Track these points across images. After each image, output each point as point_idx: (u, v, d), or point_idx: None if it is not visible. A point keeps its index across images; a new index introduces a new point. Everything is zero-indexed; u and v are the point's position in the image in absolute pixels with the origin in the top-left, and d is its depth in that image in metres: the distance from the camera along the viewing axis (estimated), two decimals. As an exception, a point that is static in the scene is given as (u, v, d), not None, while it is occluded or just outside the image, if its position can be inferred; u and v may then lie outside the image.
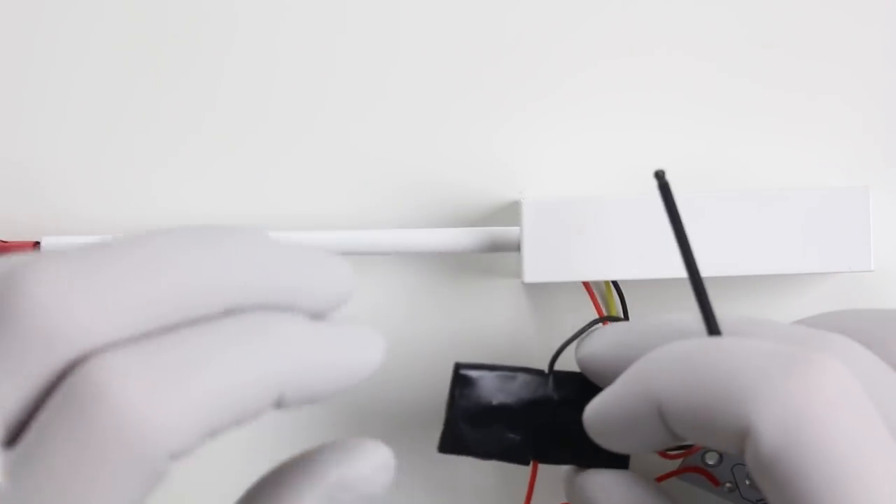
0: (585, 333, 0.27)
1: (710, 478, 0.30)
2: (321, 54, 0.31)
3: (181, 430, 0.17)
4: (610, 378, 0.23)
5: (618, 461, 0.26)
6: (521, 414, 0.27)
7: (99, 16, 0.31)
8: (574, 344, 0.27)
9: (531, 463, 0.27)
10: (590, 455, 0.26)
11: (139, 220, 0.31)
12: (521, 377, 0.27)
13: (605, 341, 0.25)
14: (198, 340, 0.17)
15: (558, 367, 0.27)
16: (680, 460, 0.30)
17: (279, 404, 0.18)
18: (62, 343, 0.17)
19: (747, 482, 0.30)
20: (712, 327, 0.23)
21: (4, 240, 0.30)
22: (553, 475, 0.28)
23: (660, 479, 0.30)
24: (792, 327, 0.21)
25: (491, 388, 0.26)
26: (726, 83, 0.31)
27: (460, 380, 0.26)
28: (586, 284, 0.30)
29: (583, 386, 0.27)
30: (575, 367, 0.27)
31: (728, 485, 0.30)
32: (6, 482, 0.16)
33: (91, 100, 0.31)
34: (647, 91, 0.31)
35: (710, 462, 0.30)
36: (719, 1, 0.31)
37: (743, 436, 0.18)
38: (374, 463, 0.20)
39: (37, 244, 0.30)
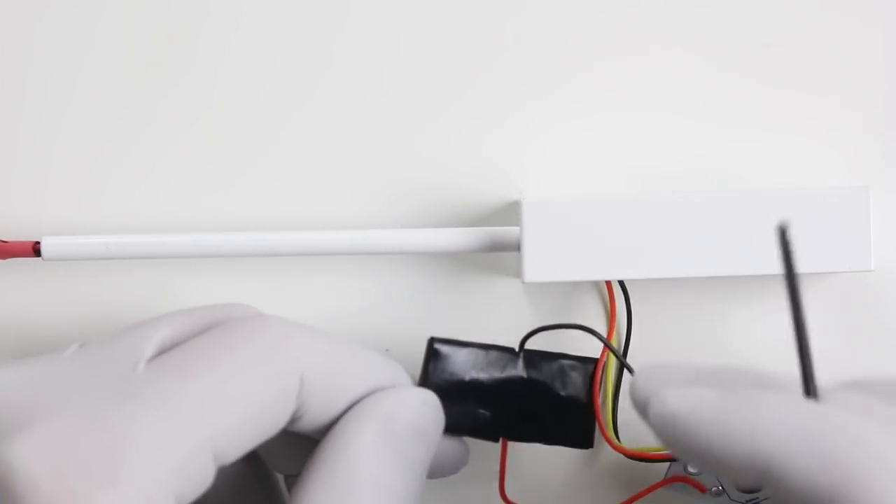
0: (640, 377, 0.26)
1: (695, 485, 0.30)
2: (321, 54, 0.31)
3: (312, 355, 0.22)
4: (693, 446, 0.21)
5: (583, 442, 0.28)
6: (492, 391, 0.27)
7: (99, 16, 0.31)
8: (555, 332, 0.28)
9: (500, 440, 0.28)
10: (555, 434, 0.27)
11: (139, 221, 0.31)
12: (493, 354, 0.27)
13: (695, 406, 0.21)
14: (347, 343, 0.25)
15: (528, 347, 0.28)
16: (666, 467, 0.30)
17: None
18: (247, 311, 0.24)
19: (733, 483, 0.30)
20: (810, 388, 0.22)
21: (4, 239, 0.30)
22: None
23: (647, 491, 0.30)
24: None
25: (464, 364, 0.27)
26: (726, 83, 0.31)
27: (434, 354, 0.27)
28: (608, 283, 0.30)
29: (551, 366, 0.27)
30: (545, 348, 0.28)
31: (714, 489, 0.30)
32: (156, 359, 0.21)
33: (91, 100, 0.31)
34: (648, 91, 0.31)
35: (693, 471, 0.30)
36: (719, 1, 0.31)
37: None
38: (419, 398, 0.24)
39: (37, 244, 0.30)
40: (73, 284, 0.31)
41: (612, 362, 0.31)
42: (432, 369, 0.27)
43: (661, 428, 0.21)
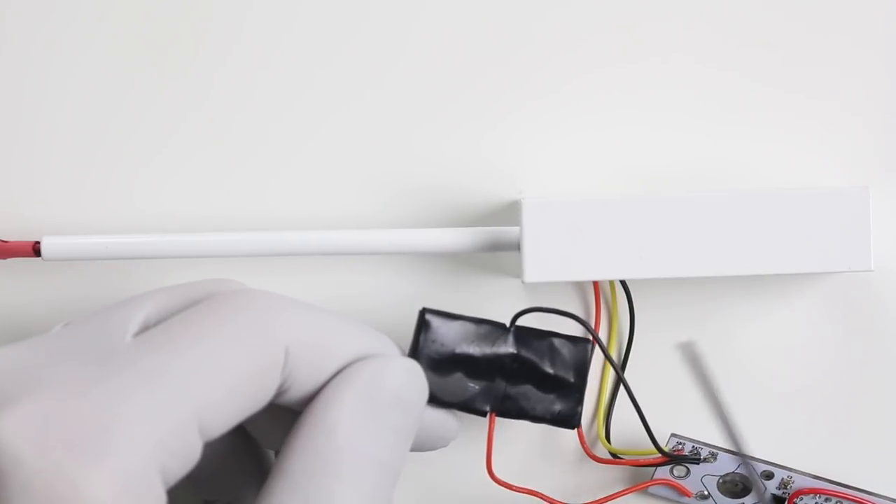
0: None
1: (680, 489, 0.30)
2: (321, 54, 0.31)
3: (298, 327, 0.23)
4: None
5: (568, 422, 0.27)
6: (482, 365, 0.27)
7: (99, 16, 0.31)
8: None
9: (488, 415, 0.27)
10: (542, 412, 0.27)
11: (139, 221, 0.31)
12: (485, 328, 0.27)
13: None
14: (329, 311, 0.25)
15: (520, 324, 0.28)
16: (652, 471, 0.30)
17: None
18: (232, 285, 0.24)
19: (718, 489, 0.30)
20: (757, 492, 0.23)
21: (4, 239, 0.30)
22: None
23: (633, 489, 0.30)
24: None
25: (455, 336, 0.27)
26: (726, 83, 0.31)
27: (425, 324, 0.27)
28: (598, 284, 0.30)
29: (542, 343, 0.27)
30: (535, 325, 0.28)
31: (699, 493, 0.30)
32: (142, 334, 0.22)
33: (91, 100, 0.31)
34: (647, 91, 0.31)
35: (679, 475, 0.30)
36: (719, 0, 0.31)
37: None
38: (401, 366, 0.24)
39: (37, 244, 0.30)
40: (73, 284, 0.31)
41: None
42: (423, 340, 0.27)
43: None
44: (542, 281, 0.29)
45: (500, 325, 0.28)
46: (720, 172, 0.31)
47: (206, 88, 0.31)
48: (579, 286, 0.31)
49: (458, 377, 0.27)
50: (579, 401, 0.28)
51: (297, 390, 0.22)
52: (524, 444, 0.31)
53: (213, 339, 0.21)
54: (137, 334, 0.21)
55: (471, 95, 0.31)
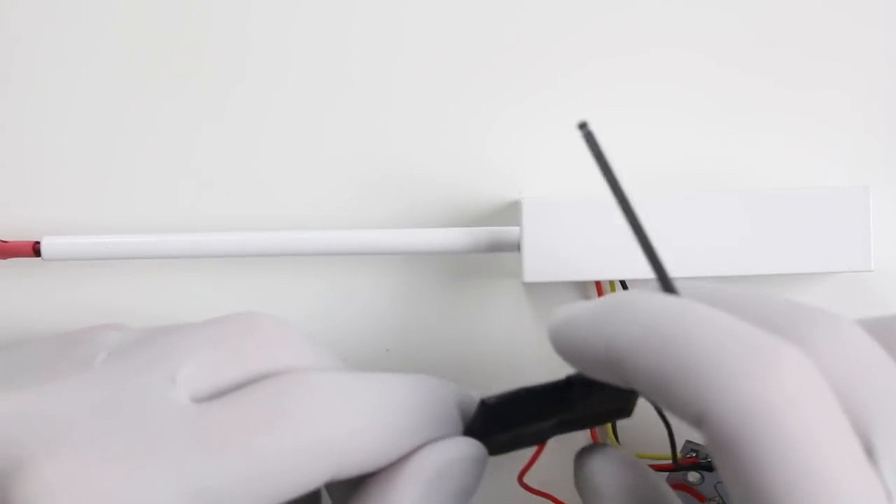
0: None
1: (695, 494, 0.30)
2: (321, 55, 0.31)
3: (355, 439, 0.21)
4: (570, 352, 0.22)
5: (621, 413, 0.25)
6: (538, 419, 0.25)
7: (99, 17, 0.31)
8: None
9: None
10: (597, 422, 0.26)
11: (138, 221, 0.31)
12: (543, 396, 0.24)
13: (573, 315, 0.22)
14: (377, 379, 0.22)
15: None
16: (665, 476, 0.30)
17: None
18: (282, 353, 0.22)
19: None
20: (667, 286, 0.22)
21: (4, 240, 0.30)
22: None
23: None
24: (783, 304, 0.20)
25: (514, 415, 0.24)
26: (726, 82, 0.31)
27: (486, 414, 0.24)
28: (598, 284, 0.30)
29: (598, 394, 0.25)
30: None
31: (713, 499, 0.30)
32: (191, 409, 0.20)
33: (91, 100, 0.31)
34: (648, 90, 0.31)
35: (692, 480, 0.30)
36: (720, 1, 0.31)
37: (699, 418, 0.18)
38: (470, 455, 0.23)
39: (37, 244, 0.30)
40: (73, 284, 0.31)
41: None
42: (481, 426, 0.24)
43: (552, 340, 0.22)
44: (542, 281, 0.29)
45: (558, 387, 0.24)
46: (720, 172, 0.31)
47: (207, 90, 0.31)
48: (579, 286, 0.31)
49: (516, 433, 0.25)
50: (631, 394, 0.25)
51: (347, 478, 0.22)
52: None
53: (261, 447, 0.20)
54: (181, 406, 0.20)
55: (471, 95, 0.31)
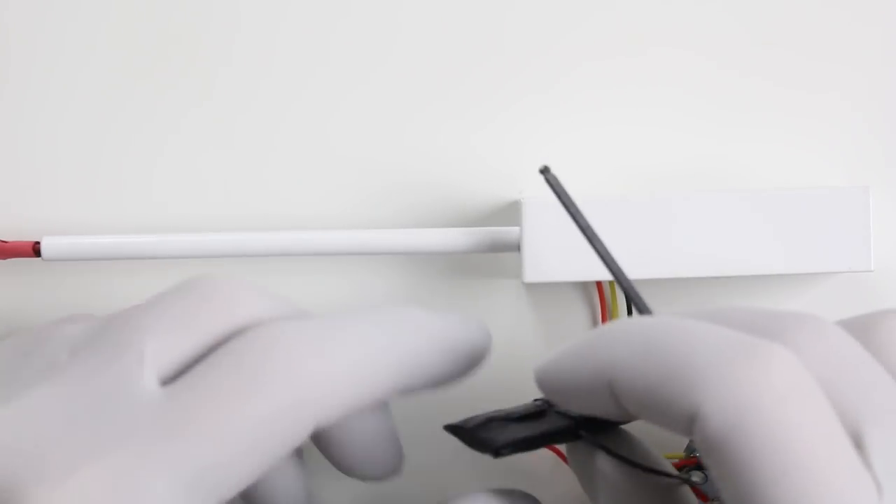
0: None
1: (699, 494, 0.30)
2: (320, 56, 0.31)
3: (331, 389, 0.20)
4: (558, 388, 0.22)
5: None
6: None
7: (99, 17, 0.31)
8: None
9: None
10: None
11: (138, 221, 0.31)
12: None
13: (558, 354, 0.22)
14: (341, 321, 0.22)
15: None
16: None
17: (407, 386, 0.22)
18: (241, 311, 0.21)
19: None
20: (640, 307, 0.22)
21: (4, 239, 0.30)
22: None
23: None
24: (762, 309, 0.21)
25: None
26: (726, 82, 0.31)
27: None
28: (598, 284, 0.30)
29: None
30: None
31: (717, 498, 0.30)
32: (163, 394, 0.20)
33: (91, 100, 0.31)
34: (647, 90, 0.31)
35: (696, 479, 0.30)
36: (720, 0, 0.31)
37: (691, 421, 0.18)
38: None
39: (37, 244, 0.30)
40: (73, 284, 0.31)
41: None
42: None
43: (539, 381, 0.23)
44: (542, 281, 0.29)
45: (568, 431, 0.24)
46: (720, 172, 0.31)
47: (205, 89, 0.31)
48: (579, 286, 0.31)
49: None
50: None
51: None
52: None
53: (242, 419, 0.19)
54: (154, 393, 0.20)
55: (471, 95, 0.31)
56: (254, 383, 0.20)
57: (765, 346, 0.18)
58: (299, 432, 0.20)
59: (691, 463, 0.30)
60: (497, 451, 0.23)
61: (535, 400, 0.25)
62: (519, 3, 0.31)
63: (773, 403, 0.18)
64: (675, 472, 0.24)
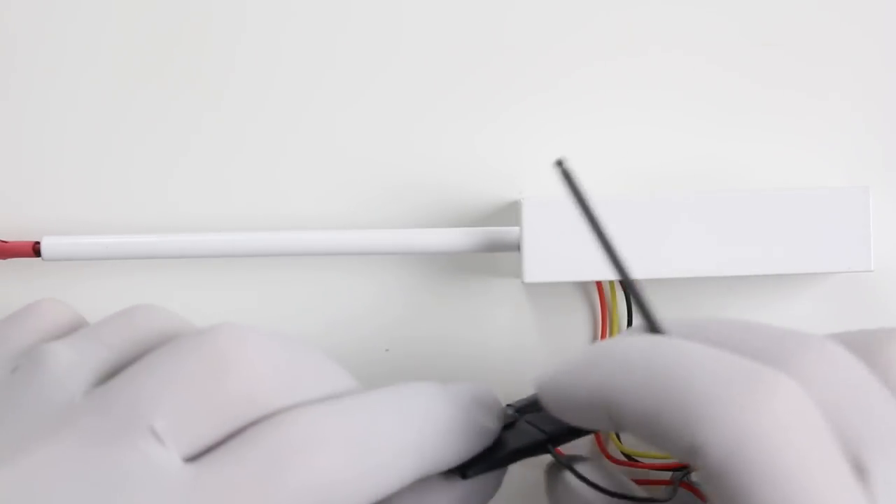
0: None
1: (698, 494, 0.30)
2: (320, 56, 0.31)
3: (355, 482, 0.20)
4: (558, 403, 0.22)
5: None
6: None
7: (100, 18, 0.31)
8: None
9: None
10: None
11: (139, 221, 0.31)
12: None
13: (558, 368, 0.22)
14: (368, 407, 0.21)
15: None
16: (669, 474, 0.30)
17: (422, 476, 0.21)
18: (260, 396, 0.20)
19: None
20: (653, 326, 0.22)
21: (4, 240, 0.30)
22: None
23: (651, 482, 0.30)
24: (768, 331, 0.21)
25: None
26: (727, 82, 0.31)
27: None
28: (598, 284, 0.30)
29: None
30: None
31: None
32: (184, 476, 0.19)
33: (91, 100, 0.31)
34: (647, 91, 0.31)
35: (696, 479, 0.30)
36: (720, 1, 0.31)
37: (692, 450, 0.18)
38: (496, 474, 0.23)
39: (37, 244, 0.30)
40: (73, 284, 0.31)
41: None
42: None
43: (540, 395, 0.22)
44: (542, 281, 0.29)
45: (539, 446, 0.24)
46: (720, 172, 0.31)
47: (206, 90, 0.31)
48: (579, 286, 0.31)
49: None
50: None
51: None
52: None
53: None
54: (174, 474, 0.19)
55: (470, 96, 0.31)
56: (281, 475, 0.19)
57: (767, 374, 0.18)
58: None
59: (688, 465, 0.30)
60: (464, 474, 0.23)
61: (508, 405, 0.25)
62: (519, 5, 0.31)
63: (774, 434, 0.17)
64: (643, 494, 0.24)
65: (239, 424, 0.20)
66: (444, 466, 0.22)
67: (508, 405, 0.25)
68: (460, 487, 0.23)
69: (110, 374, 0.21)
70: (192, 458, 0.19)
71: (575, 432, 0.24)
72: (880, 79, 0.31)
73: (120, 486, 0.18)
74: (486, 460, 0.23)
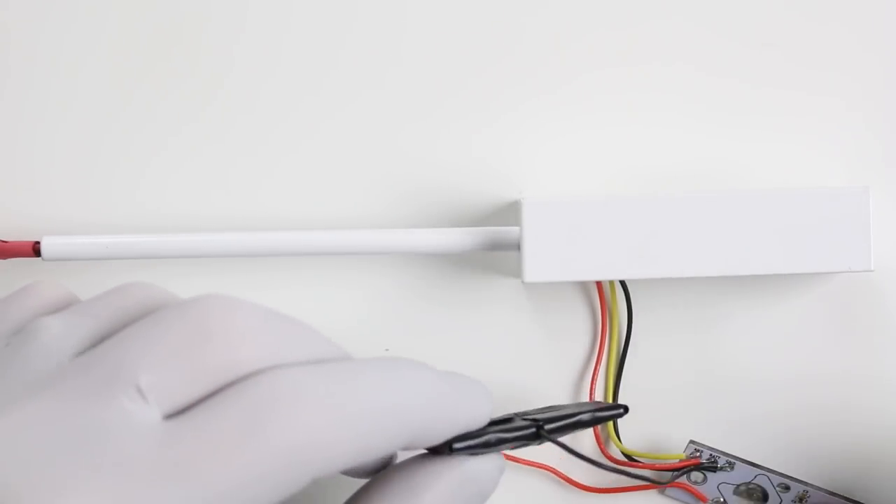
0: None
1: (697, 494, 0.30)
2: (320, 56, 0.31)
3: (335, 444, 0.20)
4: None
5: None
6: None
7: (99, 17, 0.31)
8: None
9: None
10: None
11: (139, 221, 0.31)
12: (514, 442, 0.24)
13: None
14: (352, 370, 0.21)
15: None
16: (668, 475, 0.30)
17: (408, 445, 0.22)
18: (245, 353, 0.20)
19: (734, 496, 0.30)
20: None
21: (4, 239, 0.30)
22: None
23: (648, 487, 0.31)
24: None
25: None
26: (727, 82, 0.31)
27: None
28: (599, 284, 0.31)
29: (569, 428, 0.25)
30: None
31: (715, 499, 0.30)
32: (165, 430, 0.19)
33: (92, 100, 0.31)
34: (648, 90, 0.31)
35: (695, 480, 0.30)
36: (720, 0, 0.31)
37: None
38: (494, 464, 0.23)
39: (37, 244, 0.30)
40: (73, 284, 0.31)
41: (613, 363, 0.31)
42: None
43: None
44: (542, 281, 0.29)
45: (529, 439, 0.24)
46: (720, 172, 0.31)
47: (206, 90, 0.31)
48: (579, 286, 0.31)
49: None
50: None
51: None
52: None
53: (241, 467, 0.19)
54: (152, 429, 0.19)
55: (470, 96, 0.31)
56: (259, 431, 0.19)
57: None
58: (298, 482, 0.20)
59: (692, 464, 0.30)
60: (451, 448, 0.23)
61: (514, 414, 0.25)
62: (518, 8, 0.31)
63: None
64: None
65: (221, 384, 0.20)
66: (432, 439, 0.22)
67: (515, 414, 0.25)
68: (457, 473, 0.23)
69: (99, 342, 0.21)
70: (173, 416, 0.20)
71: (572, 425, 0.24)
72: (880, 79, 0.31)
73: (98, 437, 0.19)
74: (475, 437, 0.23)
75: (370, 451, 0.21)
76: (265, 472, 0.19)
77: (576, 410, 0.25)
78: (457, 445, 0.23)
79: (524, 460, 0.30)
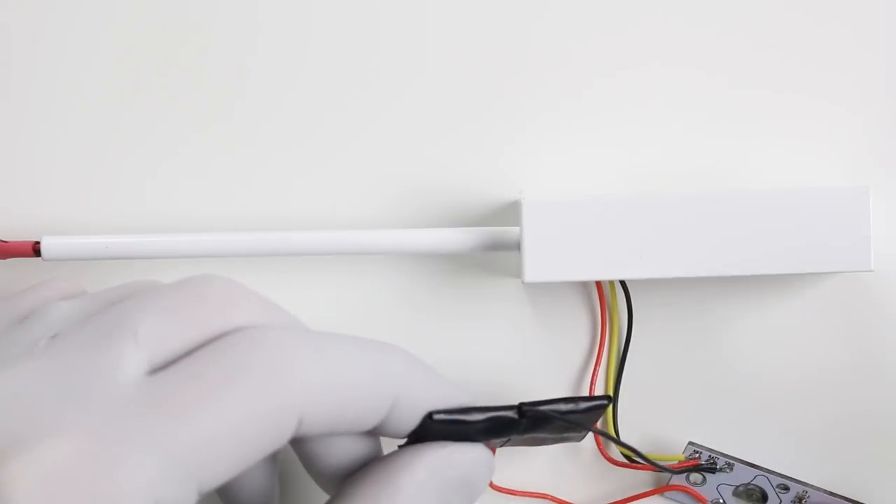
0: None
1: (696, 496, 0.30)
2: (322, 57, 0.31)
3: (314, 391, 0.21)
4: None
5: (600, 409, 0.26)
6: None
7: (101, 18, 0.31)
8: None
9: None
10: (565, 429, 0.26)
11: (139, 221, 0.31)
12: (494, 421, 0.24)
13: None
14: (337, 335, 0.22)
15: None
16: (668, 476, 0.31)
17: (391, 410, 0.22)
18: (237, 313, 0.22)
19: (733, 497, 0.30)
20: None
21: (4, 240, 0.30)
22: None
23: (648, 494, 0.31)
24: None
25: (464, 432, 0.24)
26: (726, 83, 0.31)
27: (430, 429, 0.24)
28: (598, 284, 0.31)
29: (553, 424, 0.25)
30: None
31: (714, 500, 0.30)
32: (149, 379, 0.20)
33: (92, 100, 0.31)
34: (647, 91, 0.31)
35: (695, 482, 0.30)
36: (719, 1, 0.31)
37: None
38: (477, 453, 0.24)
39: (37, 244, 0.30)
40: (73, 284, 0.31)
41: (613, 363, 0.31)
42: (425, 437, 0.24)
43: None
44: (542, 281, 0.29)
45: (510, 417, 0.24)
46: (720, 172, 0.31)
47: (209, 90, 0.31)
48: (579, 286, 0.31)
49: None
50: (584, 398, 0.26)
51: (315, 436, 0.22)
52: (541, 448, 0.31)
53: (222, 406, 0.20)
54: (142, 376, 0.20)
55: (470, 96, 0.31)
56: (238, 375, 0.20)
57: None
58: (280, 433, 0.20)
59: (692, 465, 0.30)
60: (430, 415, 0.23)
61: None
62: (519, 11, 0.31)
63: None
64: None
65: (211, 338, 0.21)
66: (413, 403, 0.23)
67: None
68: (434, 455, 0.23)
69: None
70: (162, 368, 0.21)
71: (553, 406, 0.25)
72: (880, 79, 0.31)
73: (89, 384, 0.20)
74: (456, 409, 0.23)
75: (355, 402, 0.21)
76: (246, 415, 0.20)
77: (560, 399, 0.25)
78: (437, 416, 0.23)
79: (519, 492, 0.30)
